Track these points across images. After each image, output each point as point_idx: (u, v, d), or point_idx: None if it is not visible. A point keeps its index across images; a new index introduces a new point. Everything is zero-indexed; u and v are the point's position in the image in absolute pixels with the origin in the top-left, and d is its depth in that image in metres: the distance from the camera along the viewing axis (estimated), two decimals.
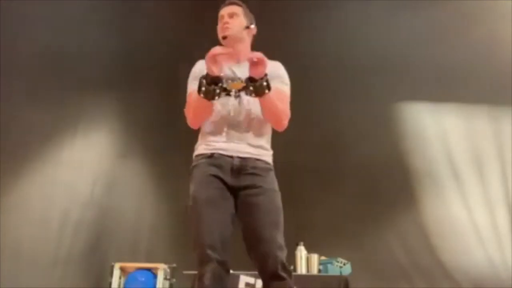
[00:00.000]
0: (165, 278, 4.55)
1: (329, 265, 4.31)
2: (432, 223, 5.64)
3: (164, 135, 5.66)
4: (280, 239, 2.09)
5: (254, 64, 2.01)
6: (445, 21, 6.05)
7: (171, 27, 6.04)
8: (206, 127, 2.23)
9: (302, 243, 4.45)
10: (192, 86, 2.19)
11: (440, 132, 6.05)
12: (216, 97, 2.06)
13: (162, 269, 4.51)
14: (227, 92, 2.12)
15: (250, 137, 2.20)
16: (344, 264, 4.32)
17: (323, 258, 4.46)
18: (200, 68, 2.21)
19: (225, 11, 2.30)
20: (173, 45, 5.95)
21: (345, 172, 5.63)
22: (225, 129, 2.18)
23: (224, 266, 2.01)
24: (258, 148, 2.21)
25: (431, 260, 5.41)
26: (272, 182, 2.20)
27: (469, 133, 5.99)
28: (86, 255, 5.25)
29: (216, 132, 2.19)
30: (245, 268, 4.06)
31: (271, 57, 2.15)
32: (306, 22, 6.03)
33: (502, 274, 5.26)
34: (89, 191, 5.56)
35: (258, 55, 2.01)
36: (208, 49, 2.06)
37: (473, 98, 5.98)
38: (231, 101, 2.18)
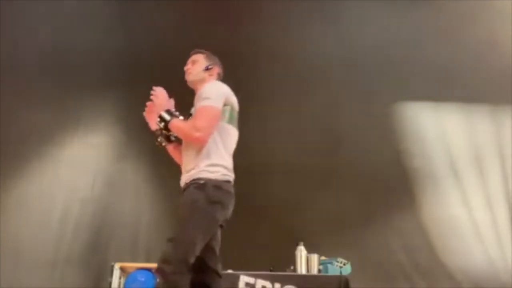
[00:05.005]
0: None
1: (329, 265, 4.30)
2: (432, 223, 5.64)
3: None
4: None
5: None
6: (445, 21, 6.06)
7: (171, 27, 6.03)
8: (223, 155, 2.38)
9: (302, 243, 4.44)
10: (220, 104, 2.37)
11: (440, 131, 6.05)
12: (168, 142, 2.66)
13: None
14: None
15: None
16: (344, 264, 4.31)
17: (323, 258, 4.45)
18: (227, 90, 2.47)
19: (189, 59, 2.67)
20: (173, 45, 5.94)
21: (345, 172, 5.62)
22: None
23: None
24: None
25: (431, 260, 5.41)
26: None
27: (469, 133, 5.98)
28: (86, 255, 5.24)
29: (229, 161, 2.41)
30: (245, 268, 4.07)
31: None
32: (305, 23, 6.02)
33: (502, 274, 5.26)
34: (89, 191, 5.55)
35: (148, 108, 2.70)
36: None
37: (473, 97, 5.99)
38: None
